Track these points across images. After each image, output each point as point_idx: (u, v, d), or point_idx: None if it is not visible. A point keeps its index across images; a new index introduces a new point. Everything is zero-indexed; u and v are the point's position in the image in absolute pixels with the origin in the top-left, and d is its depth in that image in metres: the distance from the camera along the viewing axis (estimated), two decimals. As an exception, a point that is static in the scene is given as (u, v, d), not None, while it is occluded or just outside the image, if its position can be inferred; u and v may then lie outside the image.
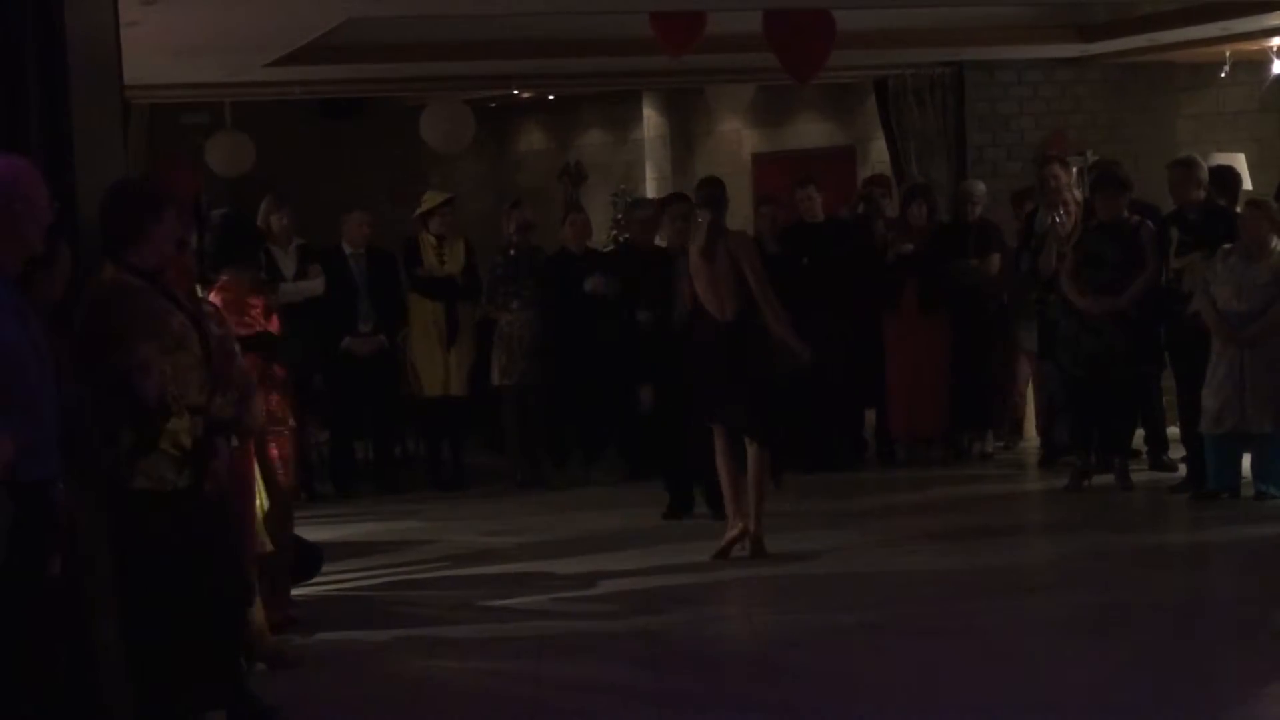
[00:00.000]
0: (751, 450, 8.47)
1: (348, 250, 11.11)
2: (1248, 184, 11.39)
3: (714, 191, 8.83)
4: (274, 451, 6.99)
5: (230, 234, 7.08)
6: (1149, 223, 10.02)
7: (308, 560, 7.92)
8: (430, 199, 11.40)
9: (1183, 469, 10.20)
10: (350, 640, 7.36)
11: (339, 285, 10.96)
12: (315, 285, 10.86)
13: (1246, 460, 9.71)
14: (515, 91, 15.58)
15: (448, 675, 6.86)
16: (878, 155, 14.13)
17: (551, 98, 16.97)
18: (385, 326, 11.12)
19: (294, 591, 7.65)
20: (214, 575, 5.39)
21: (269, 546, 6.66)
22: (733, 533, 8.56)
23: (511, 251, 11.25)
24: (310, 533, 8.37)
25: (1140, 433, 10.68)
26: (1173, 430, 10.51)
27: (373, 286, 11.07)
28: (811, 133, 15.77)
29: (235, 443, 5.78)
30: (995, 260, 11.32)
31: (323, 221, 11.52)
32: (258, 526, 6.58)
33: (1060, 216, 10.51)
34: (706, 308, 8.55)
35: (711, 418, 8.61)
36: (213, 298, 6.54)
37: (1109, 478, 10.17)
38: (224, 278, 6.92)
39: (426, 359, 11.18)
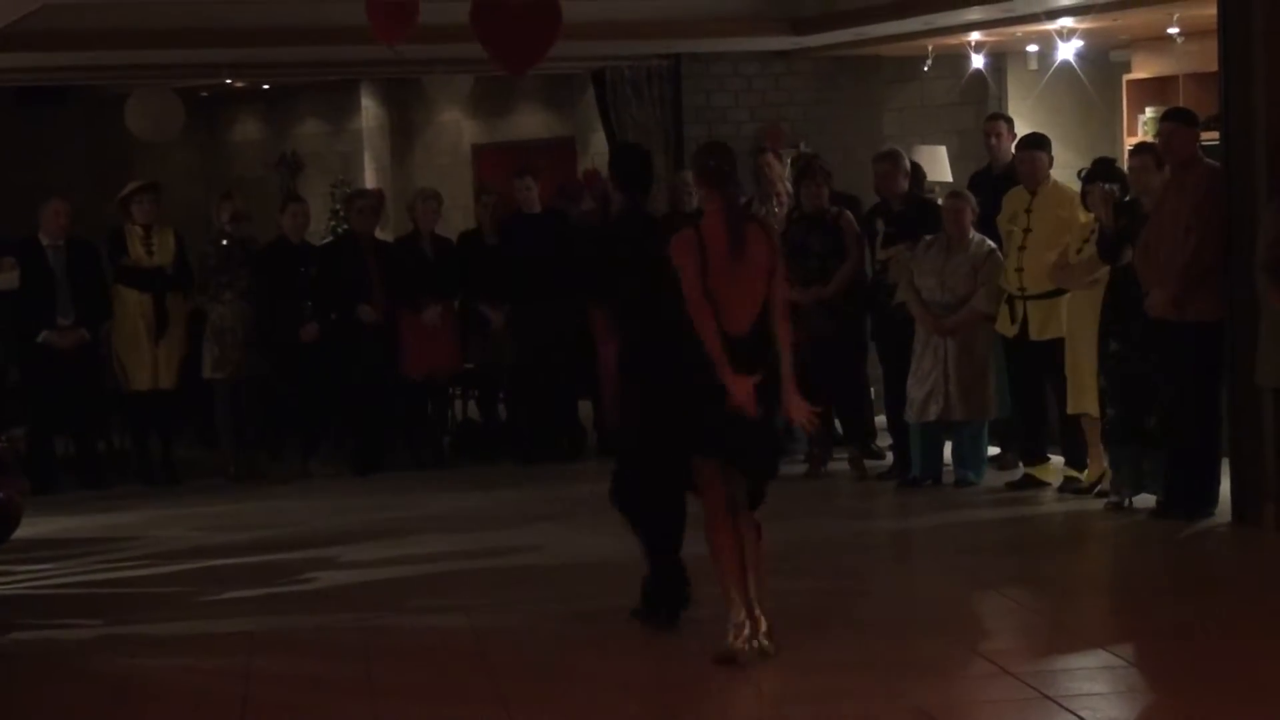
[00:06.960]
0: (745, 516, 6.55)
1: (45, 241, 10.74)
2: (948, 175, 11.75)
3: (726, 162, 6.58)
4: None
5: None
6: (848, 213, 10.25)
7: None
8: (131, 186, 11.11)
9: (890, 457, 10.46)
10: (47, 639, 7.13)
11: (36, 277, 10.60)
12: (9, 279, 10.48)
13: (948, 448, 10.00)
14: (228, 81, 15.24)
15: (152, 673, 6.68)
16: (597, 146, 14.19)
17: (266, 87, 16.66)
18: (87, 319, 10.77)
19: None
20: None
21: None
22: (739, 619, 6.45)
23: (224, 242, 11.01)
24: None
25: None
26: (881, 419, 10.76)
27: (73, 278, 10.71)
28: (531, 124, 15.80)
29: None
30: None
31: (20, 212, 11.10)
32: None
33: (775, 208, 10.70)
34: (717, 315, 6.37)
35: (715, 451, 6.52)
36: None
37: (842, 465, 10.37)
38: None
39: (133, 351, 10.88)
